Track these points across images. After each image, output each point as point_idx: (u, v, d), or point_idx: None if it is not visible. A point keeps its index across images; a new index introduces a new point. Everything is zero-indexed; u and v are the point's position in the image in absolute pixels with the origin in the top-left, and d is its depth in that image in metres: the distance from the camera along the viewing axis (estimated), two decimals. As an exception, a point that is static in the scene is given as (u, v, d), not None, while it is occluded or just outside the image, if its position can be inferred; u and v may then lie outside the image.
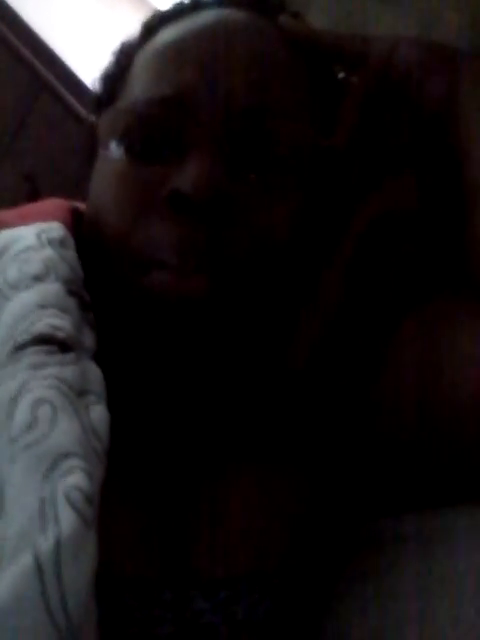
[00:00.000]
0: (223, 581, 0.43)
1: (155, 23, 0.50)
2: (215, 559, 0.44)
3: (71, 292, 0.42)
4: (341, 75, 0.48)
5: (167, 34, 0.48)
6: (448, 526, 0.42)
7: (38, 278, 0.41)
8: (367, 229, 0.46)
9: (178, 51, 0.46)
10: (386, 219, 0.46)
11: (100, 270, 0.45)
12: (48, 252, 0.43)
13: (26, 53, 1.20)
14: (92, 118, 0.52)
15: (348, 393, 0.48)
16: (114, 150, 0.45)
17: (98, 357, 0.41)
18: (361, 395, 0.47)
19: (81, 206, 0.50)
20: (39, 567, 0.29)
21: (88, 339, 0.42)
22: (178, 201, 0.41)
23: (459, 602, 0.39)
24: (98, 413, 0.37)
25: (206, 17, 0.47)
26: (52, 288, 0.41)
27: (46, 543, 0.30)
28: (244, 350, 0.45)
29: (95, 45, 1.23)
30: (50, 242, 0.44)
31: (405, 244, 0.47)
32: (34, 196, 1.06)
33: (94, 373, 0.40)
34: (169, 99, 0.44)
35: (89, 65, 1.17)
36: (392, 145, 0.46)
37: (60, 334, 0.38)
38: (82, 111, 1.12)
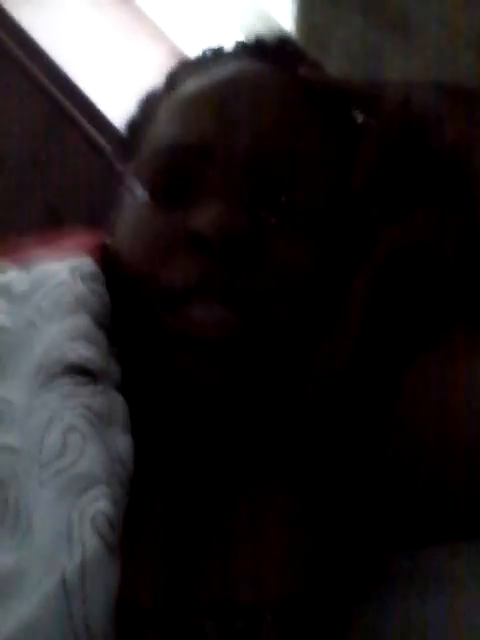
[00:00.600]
0: (240, 610, 0.44)
1: (178, 74, 0.53)
2: (233, 587, 0.44)
3: (100, 325, 0.43)
4: (359, 119, 0.49)
5: (189, 86, 0.50)
6: (463, 563, 0.43)
7: (70, 311, 0.43)
8: (385, 263, 0.47)
9: (199, 102, 0.48)
10: (404, 254, 0.47)
11: (126, 306, 0.46)
12: (80, 287, 0.45)
13: (47, 83, 1.22)
14: (119, 164, 0.54)
15: (365, 423, 0.48)
16: (139, 195, 0.48)
17: (122, 388, 0.43)
18: (378, 426, 0.48)
19: (108, 241, 0.52)
20: (66, 589, 0.31)
21: (114, 370, 0.43)
22: (197, 242, 0.43)
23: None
24: (123, 442, 0.39)
25: (226, 70, 0.50)
26: (83, 321, 0.43)
27: (72, 565, 0.31)
28: (267, 383, 0.46)
29: (115, 77, 1.25)
30: (82, 277, 0.46)
31: (424, 278, 0.47)
32: (58, 227, 1.07)
33: (120, 404, 0.41)
34: (190, 147, 0.46)
35: (110, 97, 1.19)
36: (410, 186, 0.47)
37: (89, 365, 0.40)
38: (103, 142, 1.14)
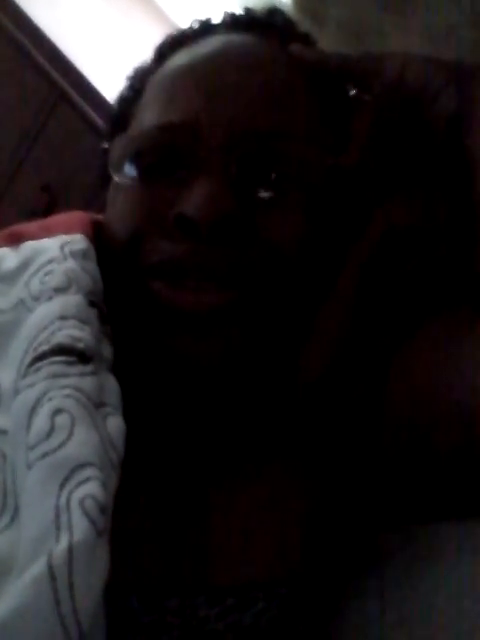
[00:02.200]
0: (231, 588, 0.44)
1: (166, 48, 0.52)
2: (224, 566, 0.44)
3: (92, 303, 0.43)
4: (352, 93, 0.48)
5: (177, 60, 0.49)
6: (459, 539, 0.42)
7: (60, 289, 0.42)
8: (378, 242, 0.46)
9: (186, 78, 0.47)
10: (397, 233, 0.46)
11: (118, 283, 0.46)
12: (70, 264, 0.44)
13: (44, 63, 1.22)
14: (106, 141, 0.53)
15: (359, 403, 0.48)
16: (126, 172, 0.47)
17: (114, 368, 0.42)
18: (372, 405, 0.47)
19: (101, 218, 0.51)
20: (52, 574, 0.30)
21: (106, 350, 0.43)
22: (183, 223, 0.42)
23: (462, 615, 0.39)
24: (115, 424, 0.38)
25: (214, 43, 0.49)
26: (73, 299, 0.42)
27: (59, 550, 0.31)
28: (258, 363, 0.46)
29: (111, 55, 1.25)
30: (73, 254, 0.45)
31: (416, 258, 0.47)
32: (51, 206, 1.07)
33: (111, 384, 0.41)
34: (177, 125, 0.45)
35: (106, 75, 1.19)
36: (404, 162, 0.46)
37: (80, 345, 0.39)
38: (99, 122, 1.13)
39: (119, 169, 0.48)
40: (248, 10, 0.52)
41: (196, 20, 0.53)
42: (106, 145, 0.50)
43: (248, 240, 0.43)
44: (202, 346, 0.43)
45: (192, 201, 0.42)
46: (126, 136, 0.49)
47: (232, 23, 0.51)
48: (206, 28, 0.52)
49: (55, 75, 1.22)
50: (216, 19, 0.52)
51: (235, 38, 0.49)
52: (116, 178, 0.48)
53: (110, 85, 1.13)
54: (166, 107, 0.47)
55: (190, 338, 0.43)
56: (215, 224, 0.42)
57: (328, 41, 0.52)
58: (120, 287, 0.46)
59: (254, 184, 0.44)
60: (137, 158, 0.47)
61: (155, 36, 0.55)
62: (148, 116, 0.48)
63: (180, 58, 0.49)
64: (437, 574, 0.42)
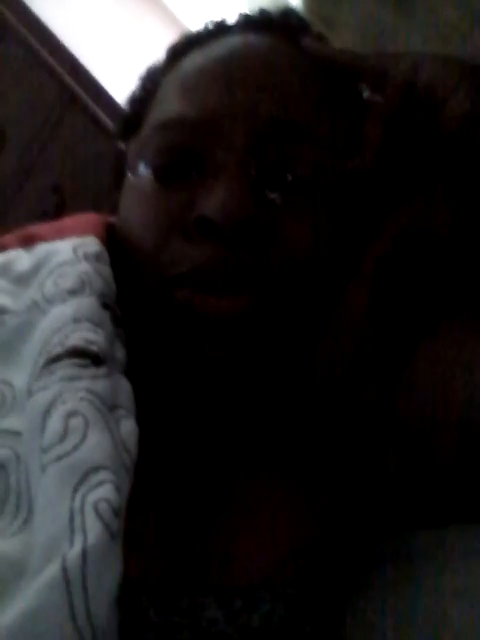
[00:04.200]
0: (239, 589, 0.44)
1: (181, 48, 0.52)
2: (233, 567, 0.44)
3: (105, 306, 0.43)
4: (366, 94, 0.48)
5: (192, 59, 0.49)
6: (465, 543, 0.42)
7: (73, 292, 0.42)
8: (393, 244, 0.46)
9: (203, 76, 0.47)
10: (412, 235, 0.46)
11: (131, 286, 0.46)
12: (84, 266, 0.44)
13: (55, 65, 1.22)
14: (120, 141, 0.53)
15: (371, 404, 0.48)
16: (142, 173, 0.47)
17: (127, 371, 0.42)
18: (383, 409, 0.47)
19: (114, 221, 0.51)
20: (66, 577, 0.30)
21: (119, 353, 0.43)
22: (204, 226, 0.42)
23: (469, 617, 0.39)
24: (128, 427, 0.38)
25: (230, 43, 0.49)
26: (87, 302, 0.42)
27: (73, 553, 0.31)
28: (273, 364, 0.46)
29: (123, 58, 1.25)
30: (86, 256, 0.45)
31: (431, 260, 0.47)
32: (61, 207, 1.07)
33: (124, 387, 0.41)
34: (193, 120, 0.45)
35: (117, 78, 1.19)
36: (418, 163, 0.46)
37: (93, 348, 0.39)
38: (109, 124, 1.14)
39: (134, 169, 0.47)
40: (262, 11, 0.52)
41: (210, 21, 0.53)
42: (120, 145, 0.50)
43: (267, 243, 0.43)
44: (226, 351, 0.43)
45: (213, 203, 0.42)
46: (140, 136, 0.49)
47: (247, 24, 0.51)
48: (221, 29, 0.51)
49: (66, 77, 1.22)
50: (230, 20, 0.52)
51: (251, 38, 0.49)
52: (132, 178, 0.48)
53: (121, 88, 1.13)
54: (183, 105, 0.46)
55: (216, 343, 0.43)
56: (237, 226, 0.41)
57: (339, 44, 0.52)
58: (141, 292, 0.46)
59: (272, 186, 0.44)
60: (152, 157, 0.46)
61: (166, 39, 0.55)
62: (164, 116, 0.48)
63: (195, 57, 0.49)
64: (443, 577, 0.42)
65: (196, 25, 0.53)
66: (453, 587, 0.41)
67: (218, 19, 0.52)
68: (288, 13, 0.52)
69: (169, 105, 0.48)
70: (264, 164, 0.44)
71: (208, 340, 0.43)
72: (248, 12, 0.52)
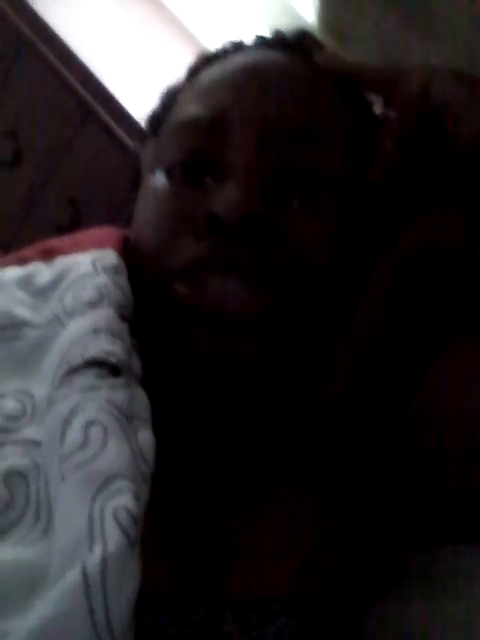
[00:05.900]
0: (255, 603, 0.44)
1: (199, 65, 0.53)
2: (249, 581, 0.44)
3: (123, 317, 0.43)
4: (376, 107, 0.49)
5: (209, 71, 0.50)
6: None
7: (92, 304, 0.43)
8: (408, 258, 0.46)
9: (217, 81, 0.48)
10: (427, 249, 0.46)
11: (145, 292, 0.46)
12: (102, 279, 0.45)
13: (72, 80, 1.23)
14: (138, 149, 0.54)
15: (385, 420, 0.48)
16: (157, 174, 0.47)
17: (143, 382, 0.43)
18: (398, 422, 0.47)
19: (129, 234, 0.52)
20: (86, 583, 0.31)
21: (136, 364, 0.43)
22: (213, 224, 0.43)
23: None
24: (145, 437, 0.39)
25: (246, 56, 0.50)
26: (105, 313, 0.43)
27: (93, 560, 0.31)
28: (285, 376, 0.46)
29: (140, 74, 1.26)
30: (104, 269, 0.46)
31: (446, 275, 0.47)
32: (76, 221, 1.08)
33: (141, 398, 0.41)
34: (206, 122, 0.46)
35: (133, 94, 1.20)
36: (431, 177, 0.46)
37: (112, 359, 0.40)
38: (125, 138, 1.15)
39: (150, 171, 0.48)
40: (278, 31, 0.53)
41: (228, 41, 0.54)
42: (137, 150, 0.51)
43: (276, 243, 0.43)
44: (221, 345, 0.43)
45: (222, 201, 0.43)
46: (156, 140, 0.50)
47: (263, 43, 0.52)
48: (238, 47, 0.53)
49: (82, 92, 1.23)
50: (247, 40, 0.53)
51: (267, 52, 0.50)
52: (147, 180, 0.49)
53: (137, 103, 1.14)
54: (196, 106, 0.48)
55: (210, 336, 0.43)
56: (243, 222, 0.42)
57: (353, 54, 0.53)
58: (146, 293, 0.46)
59: (283, 189, 0.45)
60: (167, 160, 0.47)
61: (183, 56, 0.56)
62: (180, 119, 0.49)
63: (212, 70, 0.50)
64: (463, 593, 0.41)
65: (213, 43, 0.54)
66: (476, 604, 0.41)
67: (235, 40, 0.53)
68: (303, 33, 0.53)
69: (185, 109, 0.49)
70: (275, 166, 0.45)
71: (209, 337, 0.43)
72: (264, 34, 0.53)
